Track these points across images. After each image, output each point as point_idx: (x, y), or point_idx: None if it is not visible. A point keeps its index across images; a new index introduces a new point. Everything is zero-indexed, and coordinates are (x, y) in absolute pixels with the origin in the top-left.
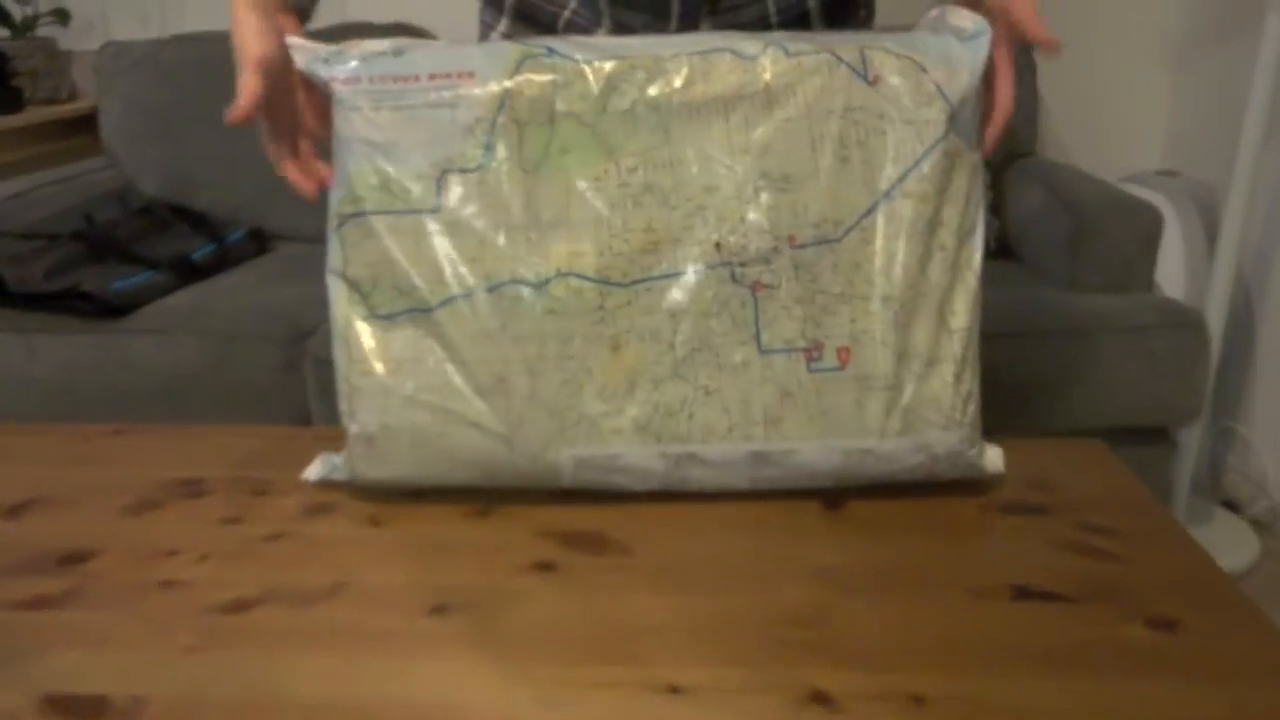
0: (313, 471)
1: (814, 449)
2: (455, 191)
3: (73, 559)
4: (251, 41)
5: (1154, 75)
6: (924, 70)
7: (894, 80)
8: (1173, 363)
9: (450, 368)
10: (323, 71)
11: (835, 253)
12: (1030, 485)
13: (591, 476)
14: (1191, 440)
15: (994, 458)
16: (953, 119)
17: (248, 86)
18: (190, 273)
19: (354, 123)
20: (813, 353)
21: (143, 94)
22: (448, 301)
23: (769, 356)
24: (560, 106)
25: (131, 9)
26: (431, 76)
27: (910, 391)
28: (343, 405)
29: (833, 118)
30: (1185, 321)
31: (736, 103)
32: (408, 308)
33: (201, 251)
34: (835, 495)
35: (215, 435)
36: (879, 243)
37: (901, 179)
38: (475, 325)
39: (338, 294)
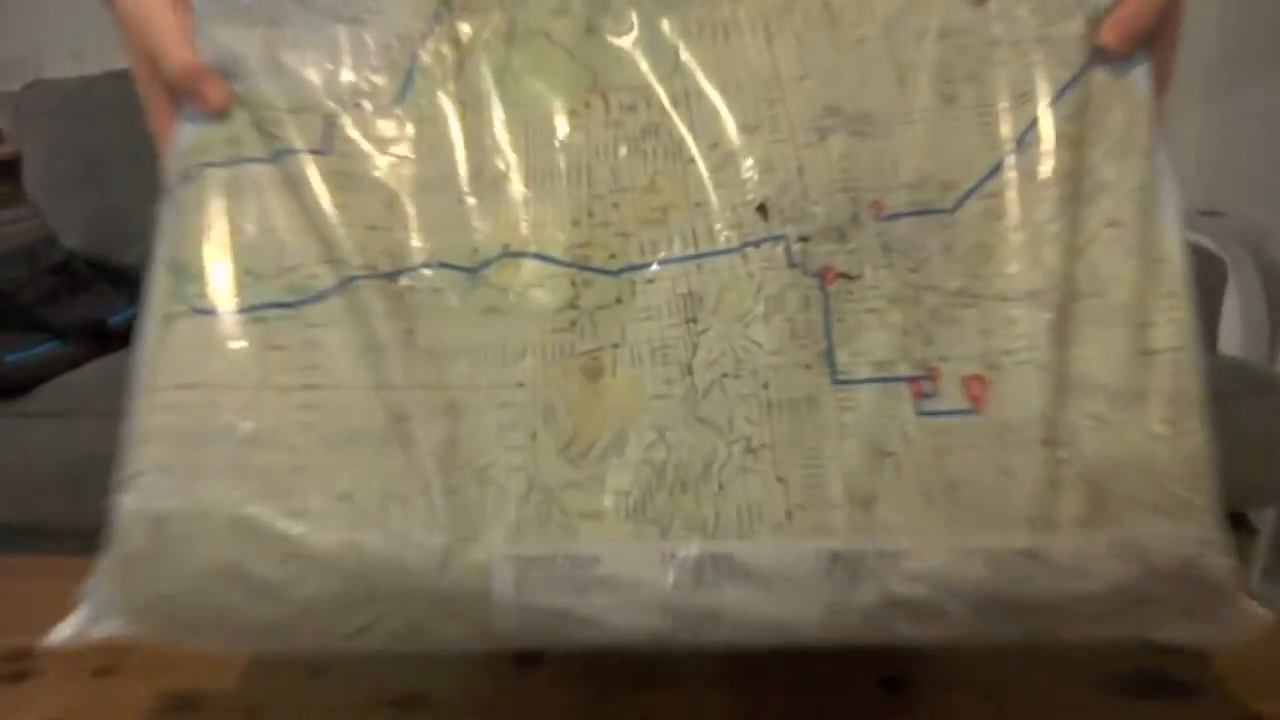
0: (67, 627)
1: (938, 551)
2: (352, 132)
3: None
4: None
5: (1190, 109)
6: None
7: None
8: (1254, 435)
9: (315, 398)
10: None
11: (948, 229)
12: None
13: (545, 602)
14: (1268, 523)
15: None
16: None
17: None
18: (103, 341)
19: (215, 43)
20: (923, 385)
21: (69, 136)
22: (323, 294)
23: (851, 390)
24: (524, 23)
25: (65, 44)
26: None
27: (1095, 446)
28: (122, 470)
29: (926, 42)
30: (1267, 387)
31: (781, 18)
32: (259, 301)
33: (120, 316)
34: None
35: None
36: (1013, 213)
37: (1034, 123)
38: (363, 331)
39: (157, 287)
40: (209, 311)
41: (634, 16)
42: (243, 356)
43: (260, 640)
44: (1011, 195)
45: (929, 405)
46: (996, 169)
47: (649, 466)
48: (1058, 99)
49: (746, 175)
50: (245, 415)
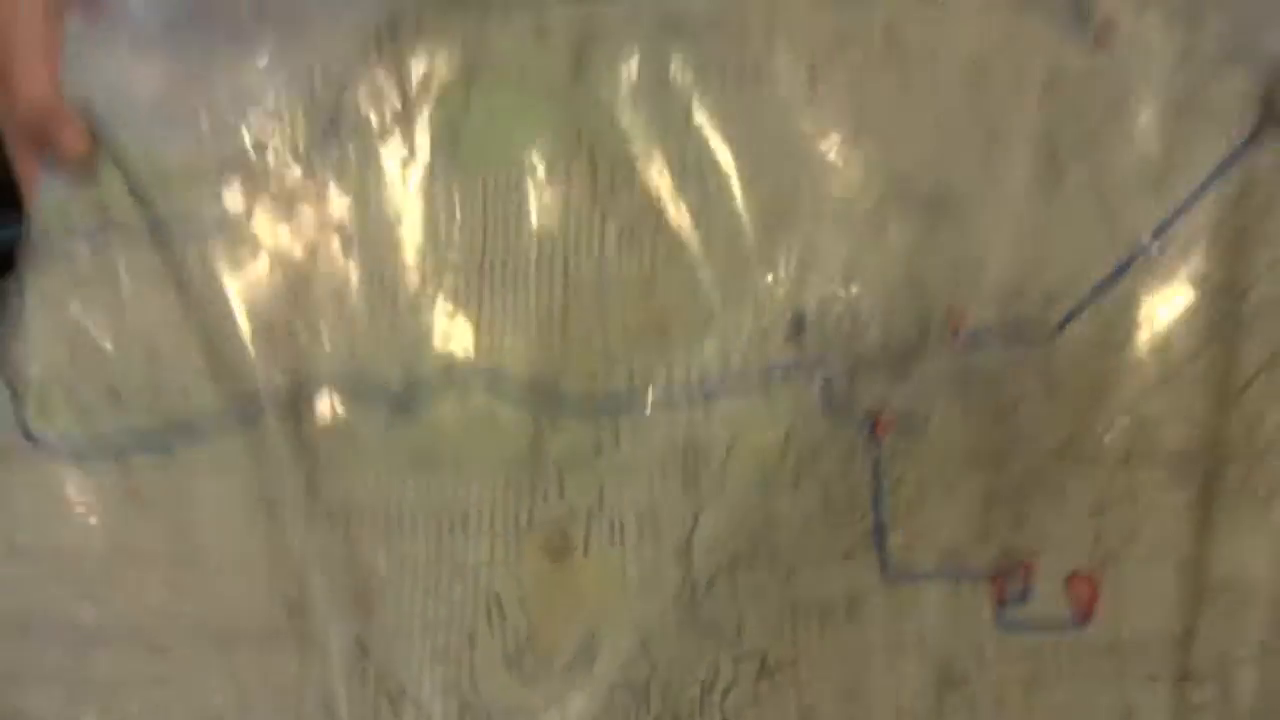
0: None
1: None
2: (257, 198)
3: None
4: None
5: None
6: (1200, 12)
7: (1141, 30)
8: None
9: (186, 578)
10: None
11: (1050, 358)
12: None
13: None
14: None
15: None
16: (1272, 99)
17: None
18: None
19: (90, 73)
20: (1008, 583)
21: None
22: (204, 426)
23: (908, 588)
24: (490, 58)
25: None
26: None
27: (1250, 685)
28: None
29: (1026, 93)
30: None
31: (830, 56)
32: (120, 434)
33: None
34: None
35: None
36: (1141, 341)
37: (1174, 215)
38: (253, 480)
39: None
40: (50, 445)
41: (634, 52)
42: (91, 512)
43: None
44: (1139, 315)
45: (1016, 613)
46: (1118, 276)
47: (626, 689)
48: (1210, 183)
49: (775, 278)
50: (89, 599)
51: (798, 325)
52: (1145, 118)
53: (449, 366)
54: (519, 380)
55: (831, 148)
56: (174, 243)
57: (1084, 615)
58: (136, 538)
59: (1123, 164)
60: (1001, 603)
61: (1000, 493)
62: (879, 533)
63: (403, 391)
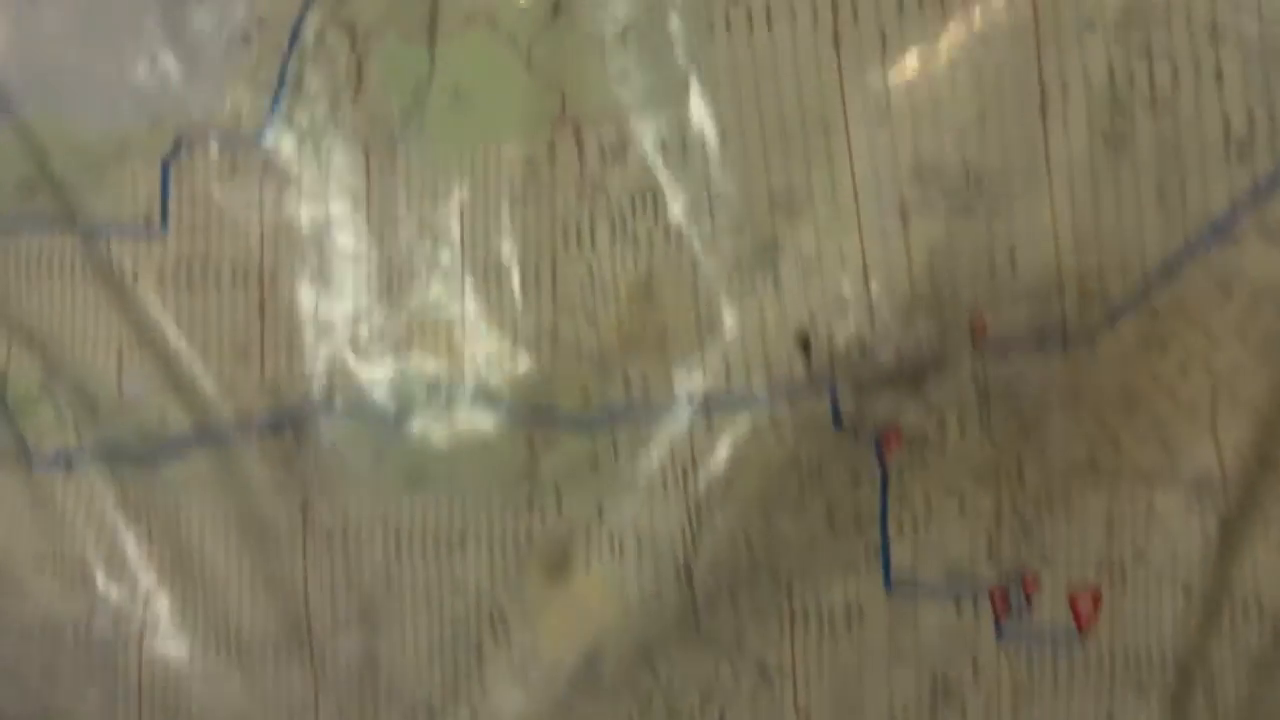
0: None
1: None
2: (197, 188)
3: None
4: None
5: None
6: None
7: None
8: None
9: (188, 591)
10: None
11: (1081, 366)
12: None
13: None
14: None
15: None
16: None
17: None
18: None
19: None
20: (1011, 595)
21: None
22: (181, 446)
23: (909, 600)
24: (452, 3)
25: None
26: None
27: (1243, 695)
28: None
29: (1093, 35)
30: None
31: (854, 6)
32: (105, 442)
33: None
34: None
35: None
36: (1189, 347)
37: (1256, 192)
38: (241, 504)
39: None
40: (41, 454)
41: None
42: (87, 521)
43: None
44: (1190, 316)
45: (1016, 626)
46: (1173, 268)
47: (631, 698)
48: None
49: (783, 281)
50: (100, 603)
51: (806, 337)
52: (1234, 64)
53: (434, 382)
54: (508, 394)
55: (851, 123)
56: (103, 249)
57: (1084, 629)
58: (131, 547)
59: (1200, 123)
60: (1002, 615)
61: (1012, 507)
62: (883, 547)
63: (390, 409)
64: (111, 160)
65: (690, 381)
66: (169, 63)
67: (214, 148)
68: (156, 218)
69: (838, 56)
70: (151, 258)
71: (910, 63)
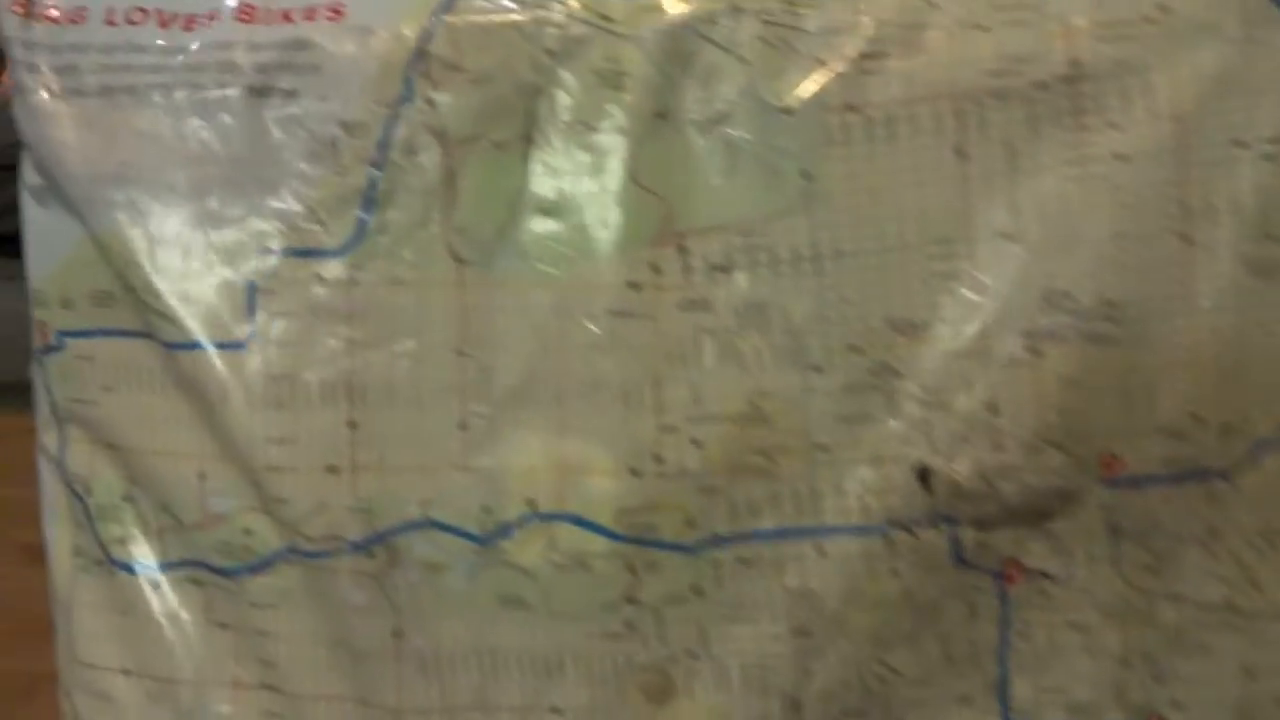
0: None
1: None
2: (283, 303)
3: None
4: None
5: None
6: None
7: None
8: None
9: (281, 705)
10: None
11: (1220, 502)
12: None
13: None
14: None
15: None
16: None
17: None
18: None
19: (53, 124)
20: None
21: None
22: (267, 563)
23: None
24: (550, 99)
25: None
26: (212, 15)
27: None
28: None
29: (1244, 156)
30: None
31: (993, 107)
32: (188, 557)
33: None
34: None
35: None
36: None
37: None
38: (331, 625)
39: (57, 510)
40: (128, 568)
41: (732, 83)
42: (176, 635)
43: None
44: None
45: None
46: None
47: None
48: None
49: (901, 407)
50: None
51: (925, 467)
52: None
53: (530, 507)
54: (609, 517)
55: (977, 240)
56: (190, 359)
57: None
58: (228, 659)
59: None
60: None
61: (1142, 648)
62: (1002, 684)
63: (486, 532)
64: (195, 273)
65: (800, 509)
66: (252, 170)
67: (300, 261)
68: (242, 332)
69: (963, 170)
70: (237, 372)
71: (1042, 179)
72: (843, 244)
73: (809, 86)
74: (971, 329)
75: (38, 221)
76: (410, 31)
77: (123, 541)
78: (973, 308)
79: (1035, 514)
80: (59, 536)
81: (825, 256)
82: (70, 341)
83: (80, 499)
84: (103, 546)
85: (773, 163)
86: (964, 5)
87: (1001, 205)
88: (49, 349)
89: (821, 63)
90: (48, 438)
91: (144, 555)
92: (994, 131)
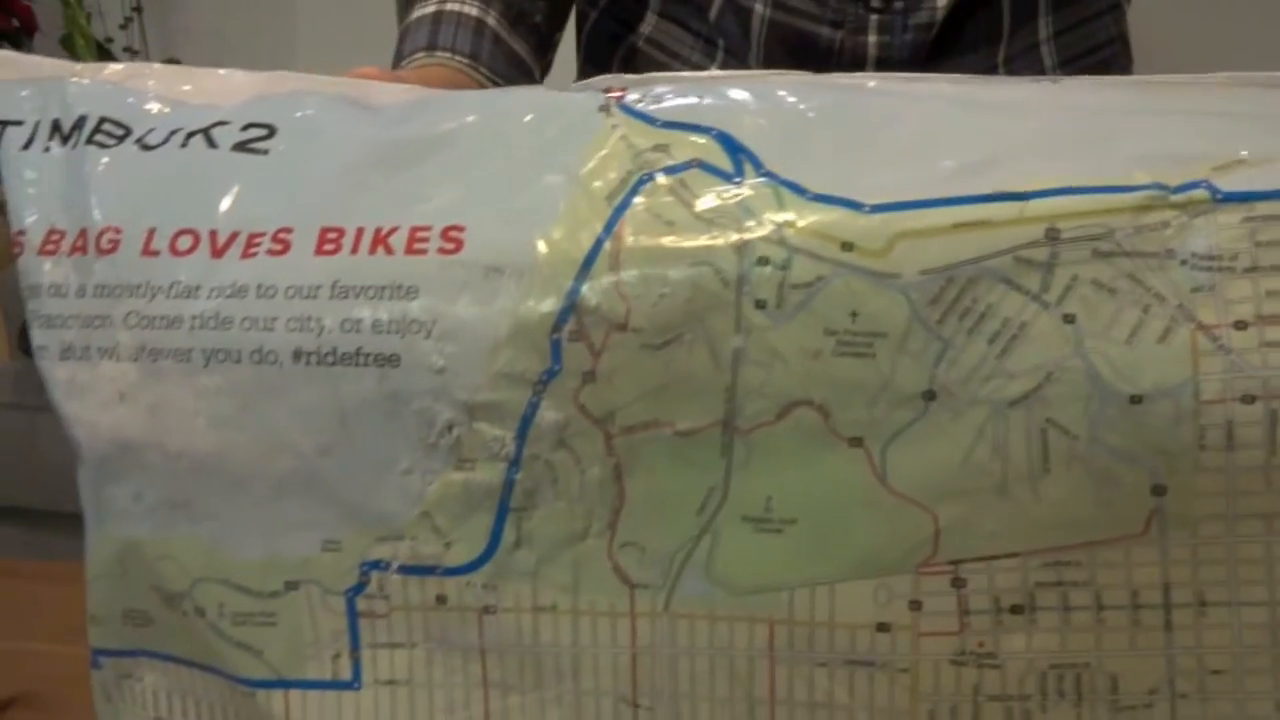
0: None
1: None
2: (392, 637)
3: None
4: None
5: None
6: None
7: None
8: None
9: None
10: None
11: None
12: None
13: None
14: None
15: None
16: None
17: None
18: None
19: (87, 398)
20: None
21: None
22: None
23: None
24: (764, 375)
25: None
26: (326, 247)
27: None
28: None
29: None
30: None
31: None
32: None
33: None
34: None
35: None
36: None
37: None
38: None
39: None
40: None
41: (1047, 349)
42: None
43: None
44: None
45: None
46: None
47: None
48: None
49: None
50: None
51: None
52: None
53: None
54: None
55: None
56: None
57: None
58: None
59: None
60: None
61: None
62: None
63: None
64: (278, 594)
65: None
66: (348, 466)
67: (412, 579)
68: (346, 667)
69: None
70: (343, 717)
71: None
72: (1208, 591)
73: (1173, 360)
74: None
75: None
76: (572, 287)
77: None
78: None
79: None
80: None
81: (1178, 605)
82: (140, 661)
83: None
84: None
85: (1106, 468)
86: None
87: None
88: (121, 676)
89: (1195, 322)
90: None
91: None
92: None
